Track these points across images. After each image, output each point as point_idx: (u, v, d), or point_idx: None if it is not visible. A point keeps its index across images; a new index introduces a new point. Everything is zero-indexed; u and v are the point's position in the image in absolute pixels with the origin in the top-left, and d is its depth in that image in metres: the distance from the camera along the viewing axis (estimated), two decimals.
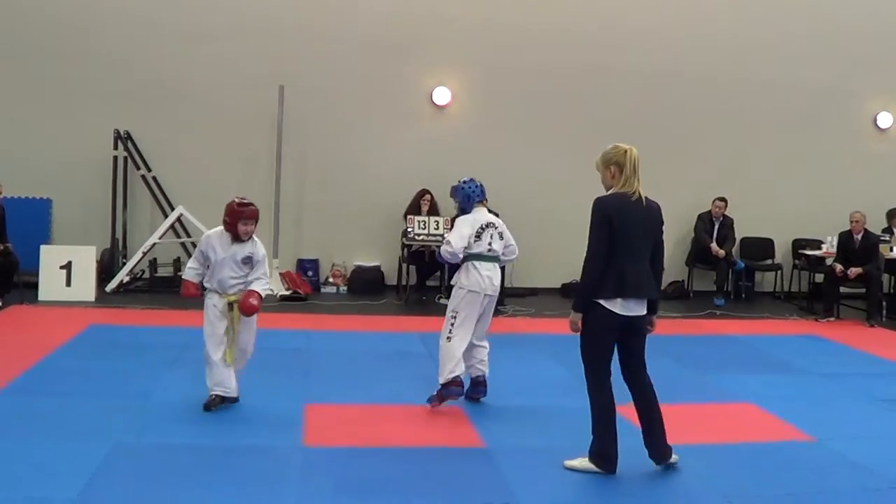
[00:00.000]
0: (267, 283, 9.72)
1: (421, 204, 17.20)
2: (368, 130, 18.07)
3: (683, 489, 7.55)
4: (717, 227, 18.20)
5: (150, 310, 15.04)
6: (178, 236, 17.45)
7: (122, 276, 16.73)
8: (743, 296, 18.48)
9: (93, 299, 15.64)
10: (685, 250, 18.78)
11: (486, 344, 10.04)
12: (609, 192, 7.85)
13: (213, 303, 9.67)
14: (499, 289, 9.95)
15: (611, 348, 7.85)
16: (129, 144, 17.51)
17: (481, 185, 10.00)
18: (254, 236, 9.64)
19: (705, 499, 7.37)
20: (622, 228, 7.60)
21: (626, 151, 7.83)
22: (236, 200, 9.65)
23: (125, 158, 17.53)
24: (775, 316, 16.68)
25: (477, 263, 9.72)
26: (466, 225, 9.76)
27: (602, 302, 7.63)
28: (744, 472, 7.98)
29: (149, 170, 17.69)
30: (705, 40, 18.38)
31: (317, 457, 8.08)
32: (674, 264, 18.75)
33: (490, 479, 7.70)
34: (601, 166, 7.94)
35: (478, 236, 9.75)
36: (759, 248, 19.10)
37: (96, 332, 13.10)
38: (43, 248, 15.98)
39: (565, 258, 17.61)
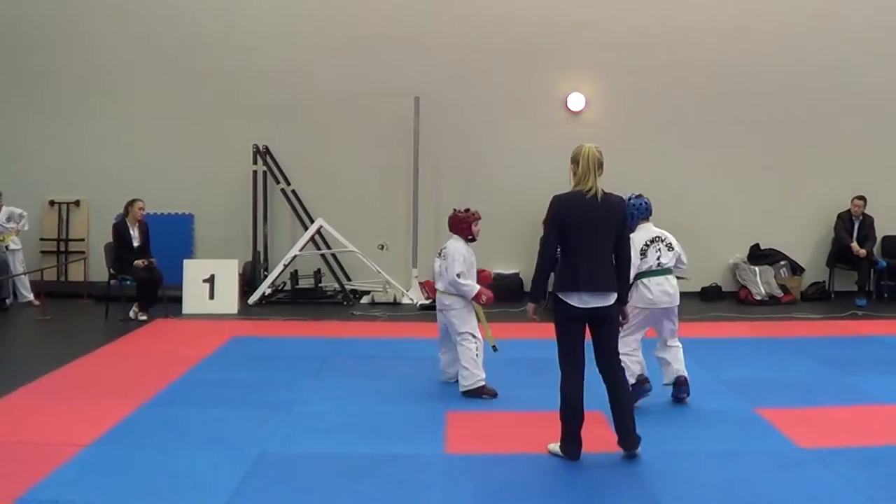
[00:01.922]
0: None
1: None
2: (504, 138, 18.11)
3: (827, 491, 7.41)
4: (857, 226, 17.75)
5: (291, 321, 15.21)
6: (318, 248, 17.62)
7: (264, 288, 16.97)
8: (885, 295, 17.99)
9: (235, 312, 15.90)
10: (825, 251, 18.42)
11: (677, 344, 10.16)
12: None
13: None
14: (676, 296, 9.94)
15: (577, 338, 8.12)
16: (268, 158, 17.76)
17: (648, 202, 10.02)
18: None
19: (850, 502, 7.23)
20: (573, 225, 7.97)
21: (583, 149, 8.16)
22: (459, 211, 11.03)
23: (264, 173, 17.81)
24: None
25: (645, 280, 9.72)
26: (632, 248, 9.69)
27: (561, 295, 7.99)
28: (889, 475, 7.78)
29: (288, 183, 17.92)
30: (837, 34, 17.98)
31: (459, 464, 8.09)
32: (814, 265, 18.51)
33: (633, 484, 7.64)
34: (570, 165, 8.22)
35: (643, 253, 9.75)
36: None
37: (239, 344, 13.33)
38: (186, 262, 16.33)
39: (703, 261, 17.56)
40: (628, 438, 8.14)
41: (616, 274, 8.08)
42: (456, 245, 10.77)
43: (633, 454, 8.15)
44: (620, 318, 8.30)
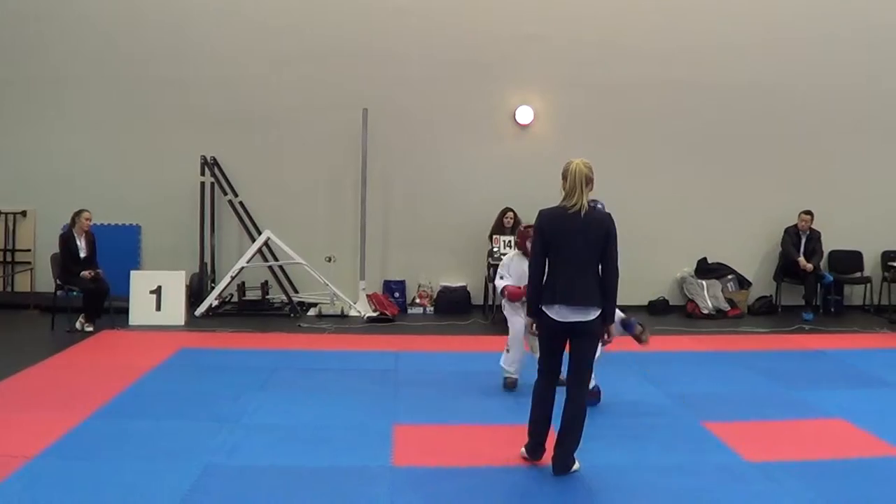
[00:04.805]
0: None
1: (504, 221, 17.18)
2: (452, 151, 18.11)
3: None
4: (804, 240, 17.89)
5: (239, 333, 15.13)
6: (266, 260, 17.57)
7: (211, 299, 16.89)
8: (832, 310, 18.15)
9: (182, 323, 15.79)
10: (773, 265, 18.56)
11: None
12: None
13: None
14: None
15: (555, 350, 8.34)
16: (216, 170, 17.69)
17: (602, 206, 9.95)
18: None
19: None
20: (554, 240, 8.12)
21: (571, 165, 8.29)
22: (522, 226, 12.16)
23: (212, 184, 17.74)
24: (865, 330, 16.34)
25: None
26: None
27: (543, 307, 8.14)
28: (835, 489, 7.85)
29: (235, 195, 17.86)
30: (784, 50, 18.17)
31: (406, 477, 8.08)
32: (762, 279, 18.65)
33: (580, 497, 7.67)
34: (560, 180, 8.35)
35: None
36: (848, 261, 18.75)
37: (186, 356, 13.23)
38: (133, 273, 16.18)
39: (651, 275, 17.70)
40: (561, 460, 8.17)
41: (601, 290, 8.10)
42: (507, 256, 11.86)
43: (559, 474, 8.17)
44: (606, 335, 8.28)
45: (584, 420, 8.18)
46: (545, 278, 8.18)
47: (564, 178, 8.22)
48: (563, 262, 8.06)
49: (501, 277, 11.45)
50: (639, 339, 10.26)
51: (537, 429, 8.36)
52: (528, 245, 10.72)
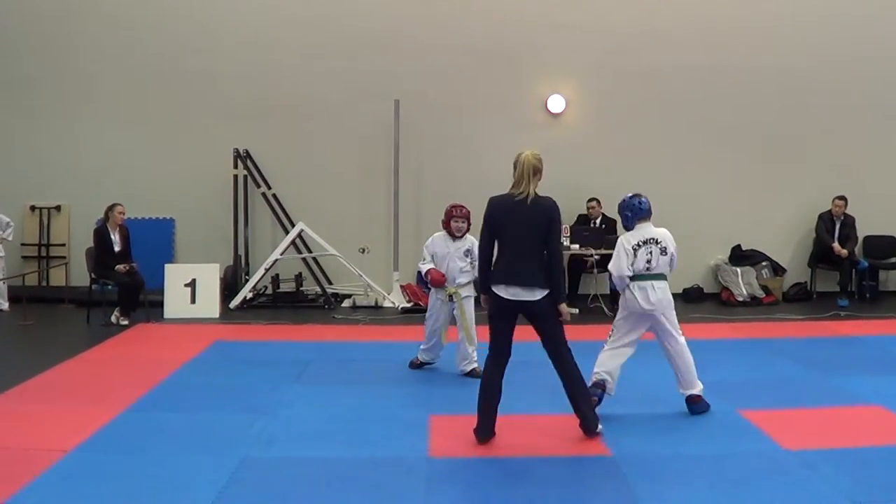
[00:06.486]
0: None
1: None
2: (484, 140, 18.06)
3: (811, 493, 7.41)
4: (838, 226, 17.76)
5: (273, 325, 15.18)
6: (300, 252, 17.62)
7: (246, 292, 16.94)
8: (867, 295, 18.00)
9: (217, 316, 15.87)
10: (807, 251, 18.47)
11: (677, 349, 9.87)
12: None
13: (439, 296, 11.60)
14: (660, 303, 9.76)
15: (502, 328, 8.77)
16: (249, 163, 17.73)
17: (644, 201, 9.81)
18: (468, 235, 11.52)
19: (833, 503, 7.23)
20: (501, 225, 8.71)
21: (521, 157, 8.85)
22: (450, 204, 11.72)
23: (245, 177, 17.80)
24: None
25: (632, 284, 9.69)
26: (621, 249, 9.69)
27: (493, 288, 8.70)
28: (873, 476, 7.77)
29: (269, 187, 17.91)
30: (817, 32, 18.03)
31: (442, 467, 8.08)
32: (796, 266, 18.58)
33: (617, 487, 7.62)
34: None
35: (634, 254, 9.68)
36: (883, 247, 18.60)
37: (221, 348, 13.30)
38: (167, 266, 16.28)
39: (685, 263, 17.50)
40: (587, 422, 8.80)
41: (547, 272, 8.64)
42: (432, 236, 11.89)
43: (593, 434, 8.71)
44: (559, 315, 8.72)
45: (583, 381, 8.92)
46: (495, 260, 8.80)
47: (514, 167, 8.82)
48: (508, 245, 8.67)
49: (424, 260, 11.68)
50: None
51: (485, 410, 8.84)
52: (452, 224, 11.48)
